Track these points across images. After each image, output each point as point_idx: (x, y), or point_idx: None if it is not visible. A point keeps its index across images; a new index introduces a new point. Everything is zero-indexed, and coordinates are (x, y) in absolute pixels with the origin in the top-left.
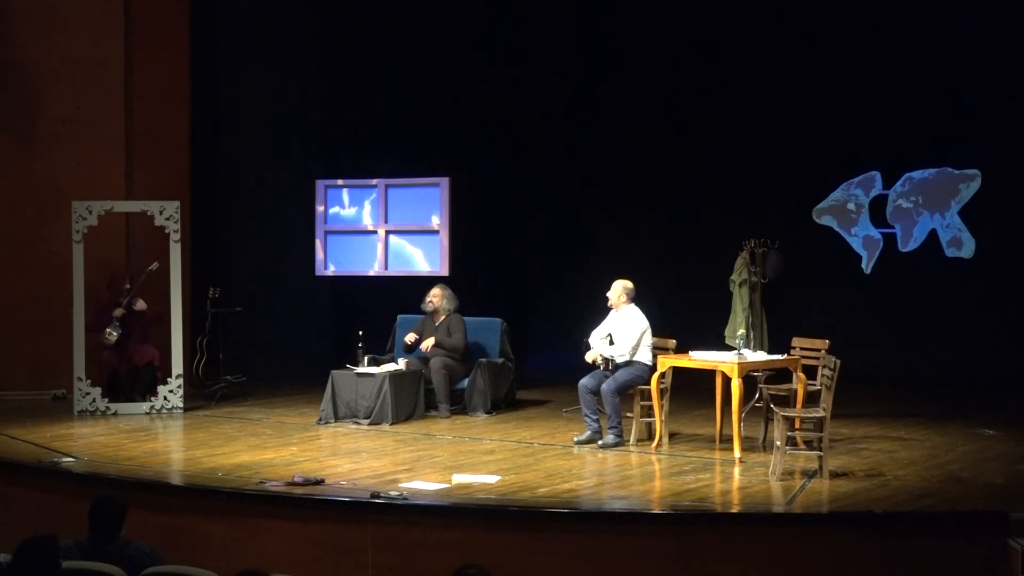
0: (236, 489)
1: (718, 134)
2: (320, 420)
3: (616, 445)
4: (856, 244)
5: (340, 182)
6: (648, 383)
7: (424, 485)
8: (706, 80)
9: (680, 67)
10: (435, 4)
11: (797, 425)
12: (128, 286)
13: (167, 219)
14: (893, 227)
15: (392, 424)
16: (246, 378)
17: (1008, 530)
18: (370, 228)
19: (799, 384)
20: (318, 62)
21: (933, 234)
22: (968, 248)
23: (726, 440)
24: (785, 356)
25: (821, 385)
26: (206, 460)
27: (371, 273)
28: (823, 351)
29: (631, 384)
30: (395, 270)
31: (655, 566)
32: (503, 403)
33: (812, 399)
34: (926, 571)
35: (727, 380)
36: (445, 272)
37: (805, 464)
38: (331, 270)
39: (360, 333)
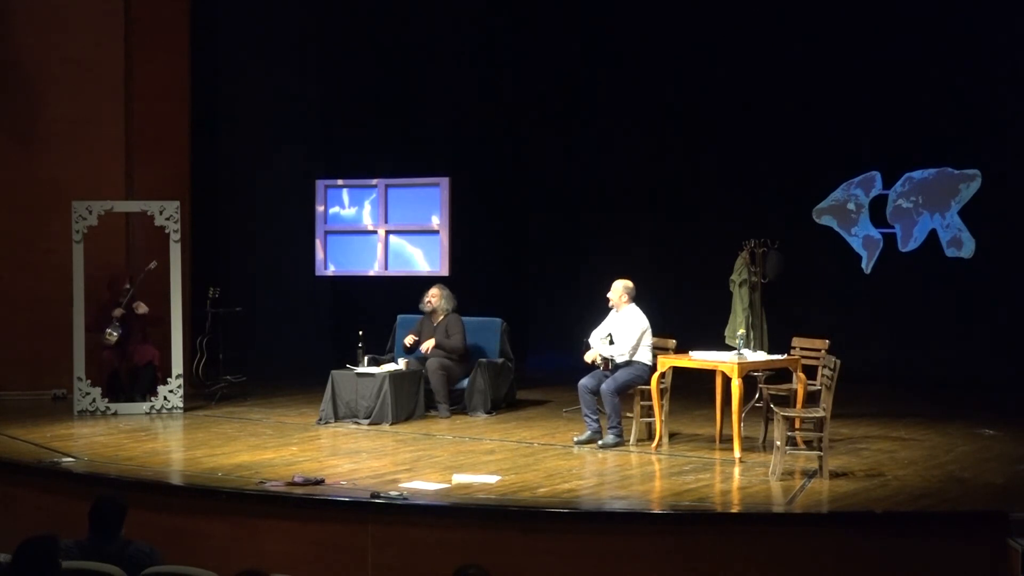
0: (236, 489)
1: (718, 134)
2: (320, 420)
3: (616, 445)
4: (856, 244)
5: (340, 182)
6: (648, 383)
7: (424, 485)
8: (706, 80)
9: (680, 67)
10: (435, 4)
11: (797, 425)
12: (128, 286)
13: (167, 219)
14: (893, 227)
15: (392, 424)
16: (246, 378)
17: (1008, 530)
18: (370, 228)
19: (799, 384)
20: (318, 62)
21: (933, 234)
22: (968, 248)
23: (726, 440)
24: (785, 356)
25: (821, 385)
26: (206, 460)
27: (371, 273)
28: (823, 351)
29: (631, 384)
30: (395, 270)
31: (655, 566)
32: (503, 403)
33: (812, 399)
34: (926, 571)
35: (727, 380)
36: (445, 272)
37: (805, 464)
38: (331, 270)
39: (360, 333)
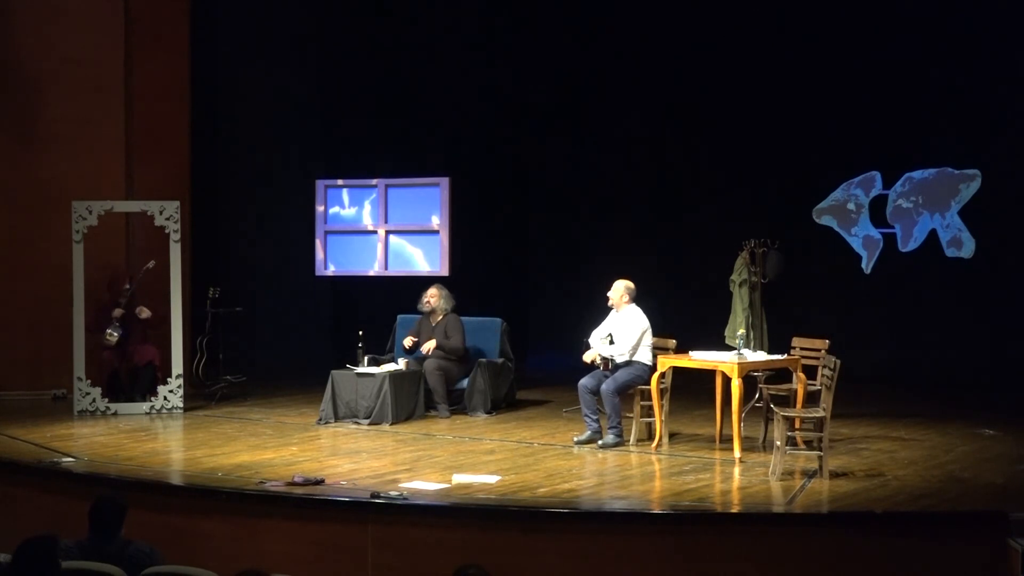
0: (236, 489)
1: (718, 134)
2: (320, 420)
3: (616, 445)
4: (856, 244)
5: (340, 182)
6: (648, 383)
7: (424, 485)
8: (706, 80)
9: (680, 67)
10: (435, 4)
11: (797, 425)
12: (128, 286)
13: (167, 219)
14: (893, 227)
15: (392, 424)
16: (246, 378)
17: (1008, 530)
18: (370, 228)
19: (799, 384)
20: (318, 62)
21: (933, 234)
22: (968, 248)
23: (726, 440)
24: (785, 356)
25: (821, 385)
26: (206, 460)
27: (371, 273)
28: (823, 351)
29: (631, 384)
30: (395, 270)
31: (655, 566)
32: (503, 403)
33: (812, 399)
34: (926, 571)
35: (727, 380)
36: (445, 272)
37: (805, 464)
38: (331, 270)
39: (360, 333)
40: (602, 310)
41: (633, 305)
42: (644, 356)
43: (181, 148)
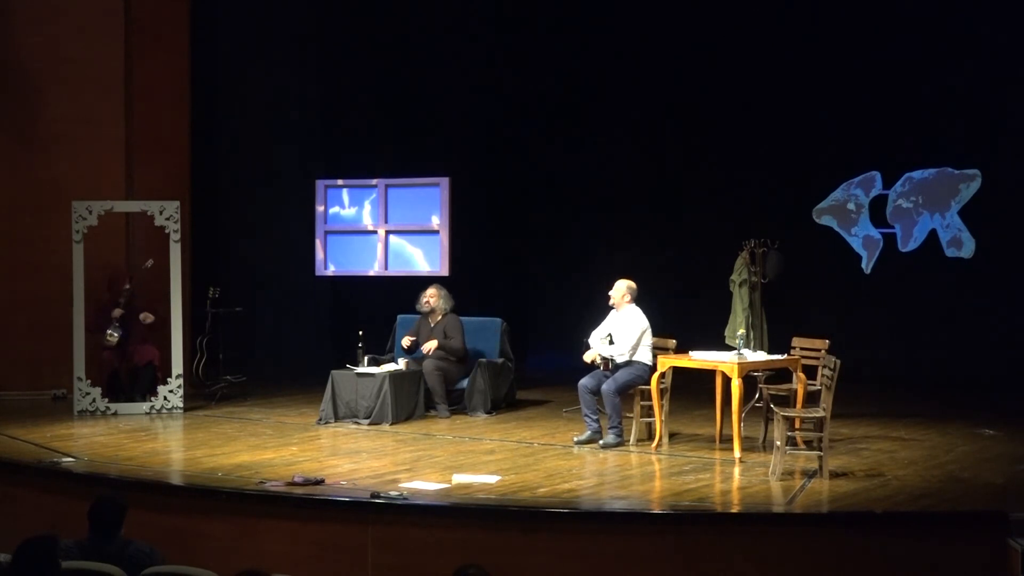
0: (236, 489)
1: (718, 134)
2: (320, 420)
3: (617, 445)
4: (856, 244)
5: (340, 182)
6: (648, 383)
7: (424, 485)
8: (706, 80)
9: (680, 67)
10: (435, 4)
11: (797, 425)
12: (128, 286)
13: (167, 219)
14: (893, 227)
15: (392, 424)
16: (246, 378)
17: (1008, 530)
18: (370, 228)
19: (799, 384)
20: (318, 62)
21: (933, 234)
22: (968, 248)
23: (726, 440)
24: (785, 356)
25: (821, 385)
26: (206, 460)
27: (371, 273)
28: (823, 351)
29: (631, 384)
30: (395, 270)
31: (655, 566)
32: (503, 403)
33: (812, 399)
34: (926, 571)
35: (727, 380)
36: (445, 272)
37: (805, 464)
38: (331, 270)
39: (360, 333)
40: (602, 310)
41: (633, 305)
42: (644, 356)
43: (181, 148)
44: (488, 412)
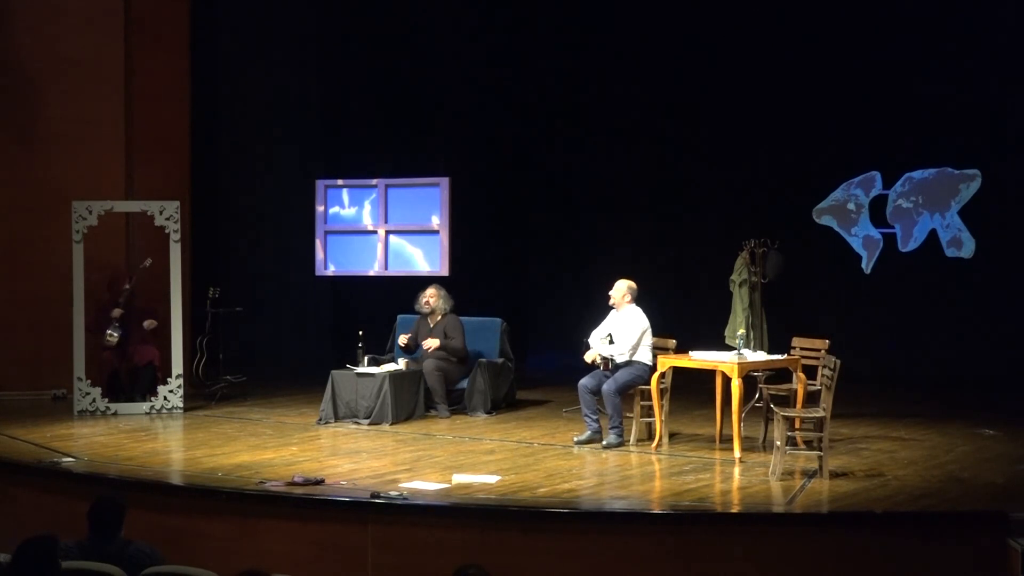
0: (236, 489)
1: (718, 134)
2: (320, 420)
3: (618, 445)
4: (856, 244)
5: (340, 182)
6: (648, 383)
7: (424, 485)
8: (706, 80)
9: (680, 67)
10: (435, 4)
11: (797, 425)
12: (128, 286)
13: (167, 219)
14: (893, 227)
15: (392, 424)
16: (246, 378)
17: (1008, 530)
18: (370, 228)
19: (799, 384)
20: (318, 62)
21: (933, 234)
22: (968, 248)
23: (726, 440)
24: (785, 356)
25: (821, 385)
26: (206, 460)
27: (371, 273)
28: (823, 351)
29: (632, 384)
30: (395, 270)
31: (655, 566)
32: (503, 403)
33: (812, 399)
34: (926, 571)
35: (727, 380)
36: (445, 272)
37: (805, 464)
38: (331, 270)
39: (360, 333)
40: (602, 310)
41: (633, 305)
42: (644, 356)
43: (181, 148)
44: (488, 412)
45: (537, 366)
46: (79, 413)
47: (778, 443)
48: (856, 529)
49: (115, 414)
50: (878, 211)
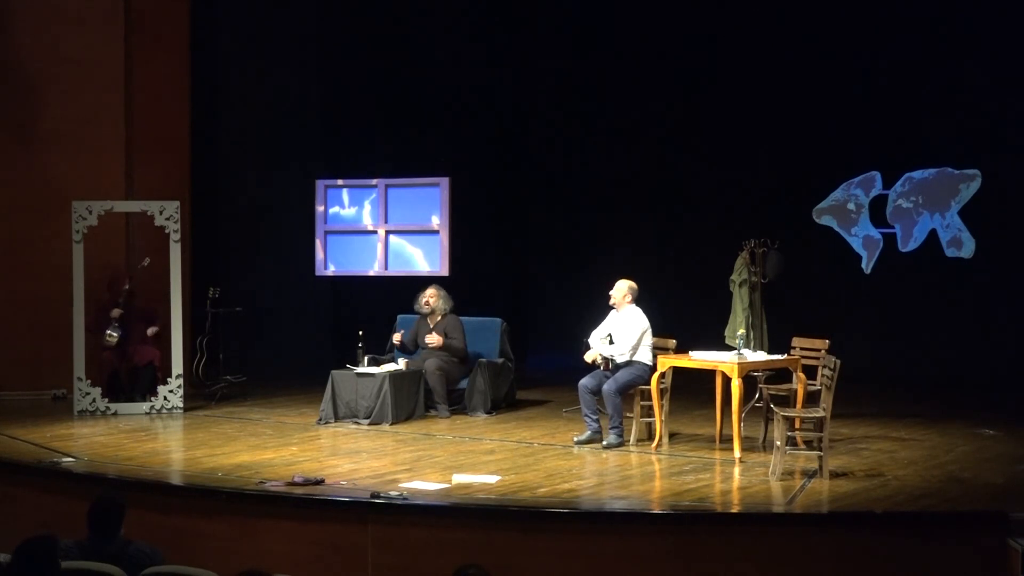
0: (236, 489)
1: (718, 134)
2: (320, 420)
3: (619, 445)
4: (856, 244)
5: (340, 182)
6: (648, 383)
7: (424, 485)
8: (706, 80)
9: (680, 67)
10: (435, 4)
11: (797, 425)
12: (127, 286)
13: (167, 219)
14: (893, 227)
15: (392, 424)
16: (246, 378)
17: (1008, 530)
18: (370, 228)
19: (799, 384)
20: (318, 62)
21: (933, 234)
22: (968, 248)
23: (726, 440)
24: (785, 356)
25: (821, 385)
26: (206, 460)
27: (371, 273)
28: (823, 351)
29: (632, 384)
30: (395, 270)
31: (655, 566)
32: (503, 403)
33: (812, 399)
34: (926, 571)
35: (727, 380)
36: (445, 272)
37: (805, 464)
38: (331, 270)
39: (360, 333)
40: (602, 310)
41: (634, 305)
42: (644, 356)
43: (181, 148)
44: (488, 412)
45: (537, 366)
46: (79, 413)
47: (778, 443)
48: (856, 529)
49: (115, 414)
50: (878, 211)
